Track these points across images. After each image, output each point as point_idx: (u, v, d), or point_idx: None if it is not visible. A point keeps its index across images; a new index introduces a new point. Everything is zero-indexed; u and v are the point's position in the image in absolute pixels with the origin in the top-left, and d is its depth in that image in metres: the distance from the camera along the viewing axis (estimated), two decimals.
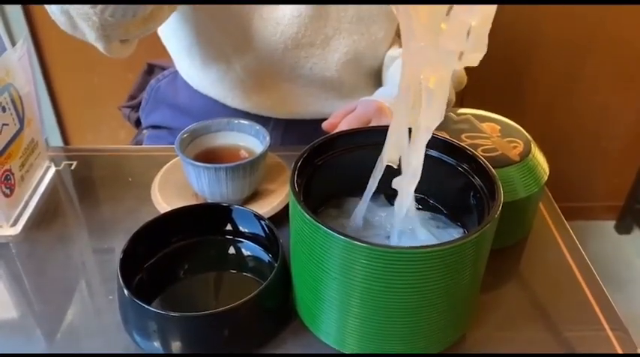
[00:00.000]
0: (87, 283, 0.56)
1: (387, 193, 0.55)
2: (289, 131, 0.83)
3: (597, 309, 0.53)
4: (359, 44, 0.76)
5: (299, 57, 0.76)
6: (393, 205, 0.55)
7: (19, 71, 0.62)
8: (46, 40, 1.34)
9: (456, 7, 0.36)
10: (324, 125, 0.69)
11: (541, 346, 0.50)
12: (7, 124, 0.60)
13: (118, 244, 0.50)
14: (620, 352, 0.49)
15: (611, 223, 1.67)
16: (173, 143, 0.60)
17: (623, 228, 1.66)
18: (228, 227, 0.55)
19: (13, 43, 0.62)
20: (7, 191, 0.60)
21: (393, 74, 0.78)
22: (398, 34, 0.83)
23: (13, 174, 0.61)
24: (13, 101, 0.60)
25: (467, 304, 0.46)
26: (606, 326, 0.51)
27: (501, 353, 0.49)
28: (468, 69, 0.80)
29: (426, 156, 0.51)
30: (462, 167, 0.49)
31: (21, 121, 0.62)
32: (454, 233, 0.52)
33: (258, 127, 0.63)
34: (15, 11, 1.30)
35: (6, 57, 0.60)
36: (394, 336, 0.44)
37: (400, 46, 0.81)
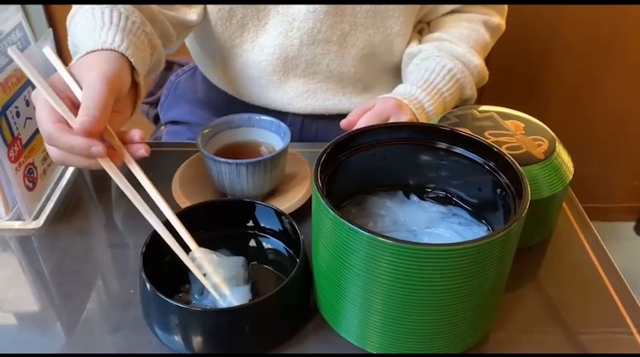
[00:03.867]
0: (107, 276, 0.56)
1: (405, 190, 0.55)
2: (306, 126, 0.83)
3: (623, 310, 0.52)
4: (374, 38, 0.76)
5: (315, 53, 0.76)
6: (411, 200, 0.55)
7: (42, 65, 0.62)
8: (65, 36, 1.35)
9: None
10: (343, 123, 0.68)
11: (566, 349, 0.49)
12: (30, 118, 0.60)
13: (139, 239, 0.50)
14: None
15: (631, 225, 1.65)
16: (192, 138, 0.60)
17: None
18: (250, 223, 0.55)
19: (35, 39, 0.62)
20: (30, 185, 0.60)
21: (411, 71, 0.78)
22: (414, 30, 0.82)
23: (35, 168, 0.61)
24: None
25: (491, 303, 0.45)
26: (633, 329, 0.50)
27: (525, 353, 0.49)
28: (487, 66, 0.79)
29: (451, 152, 0.51)
30: (488, 165, 0.49)
31: None
32: (478, 230, 0.51)
33: (279, 123, 0.63)
34: (35, 7, 1.31)
35: (29, 52, 0.60)
36: (417, 334, 0.43)
37: (419, 42, 0.81)
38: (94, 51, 0.53)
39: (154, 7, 0.66)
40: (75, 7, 0.61)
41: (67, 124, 0.48)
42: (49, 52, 0.52)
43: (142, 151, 0.51)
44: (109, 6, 0.58)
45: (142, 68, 0.56)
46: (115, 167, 0.50)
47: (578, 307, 0.53)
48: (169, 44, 0.71)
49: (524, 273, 0.56)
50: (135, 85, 0.57)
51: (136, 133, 0.51)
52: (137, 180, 0.51)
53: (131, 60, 0.54)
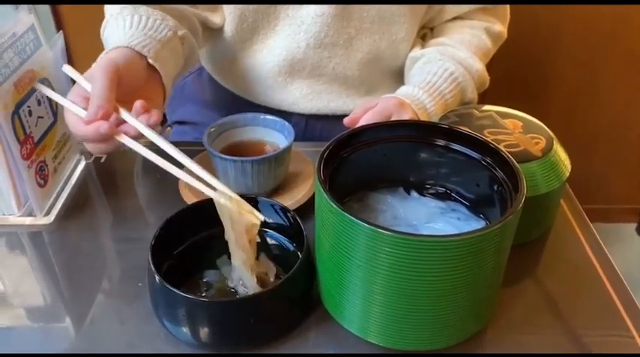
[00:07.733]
0: (116, 270, 0.58)
1: (406, 186, 0.56)
2: (310, 126, 0.84)
3: (619, 304, 0.53)
4: (380, 44, 0.78)
5: (322, 56, 0.77)
6: (412, 196, 0.56)
7: (53, 66, 0.64)
8: (74, 39, 1.38)
9: None
10: (346, 121, 0.70)
11: (563, 341, 0.50)
12: (41, 117, 0.62)
13: (146, 234, 0.51)
14: None
15: (633, 226, 1.66)
16: (198, 138, 0.61)
17: None
18: None
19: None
20: (42, 182, 0.62)
21: (414, 74, 0.79)
22: (419, 35, 0.84)
23: (47, 165, 0.63)
24: (47, 95, 0.63)
25: (488, 296, 0.47)
26: (634, 332, 0.50)
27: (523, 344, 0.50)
28: (489, 68, 0.81)
29: (450, 149, 0.52)
30: (486, 161, 0.50)
31: (55, 114, 0.65)
32: (476, 225, 0.52)
33: (283, 122, 0.64)
34: (43, 11, 1.34)
35: (41, 53, 0.62)
36: (416, 324, 0.44)
37: (422, 46, 0.82)
38: (109, 51, 0.58)
39: (183, 5, 0.70)
40: (106, 17, 0.65)
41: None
42: (68, 69, 0.59)
43: (154, 118, 0.54)
44: (132, 11, 0.63)
45: (155, 54, 0.60)
46: (131, 139, 0.54)
47: (575, 306, 0.53)
48: (197, 39, 0.74)
49: (523, 268, 0.57)
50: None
51: (137, 103, 0.54)
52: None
53: (142, 51, 0.58)
